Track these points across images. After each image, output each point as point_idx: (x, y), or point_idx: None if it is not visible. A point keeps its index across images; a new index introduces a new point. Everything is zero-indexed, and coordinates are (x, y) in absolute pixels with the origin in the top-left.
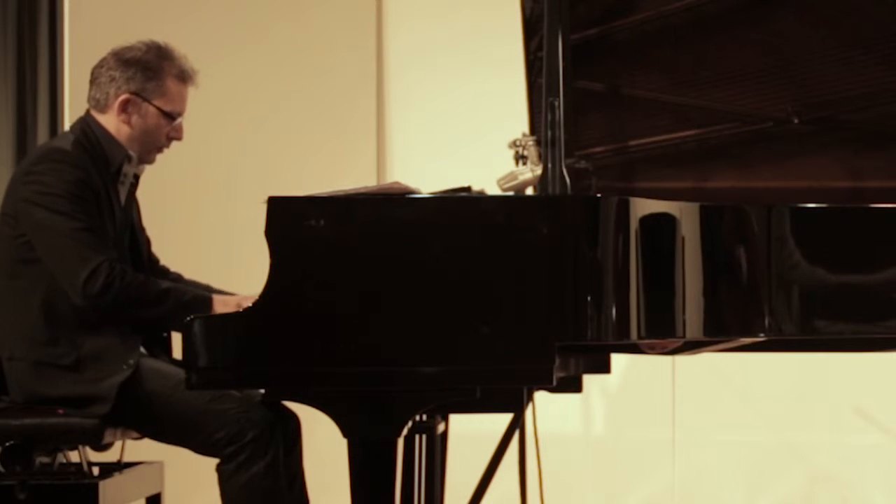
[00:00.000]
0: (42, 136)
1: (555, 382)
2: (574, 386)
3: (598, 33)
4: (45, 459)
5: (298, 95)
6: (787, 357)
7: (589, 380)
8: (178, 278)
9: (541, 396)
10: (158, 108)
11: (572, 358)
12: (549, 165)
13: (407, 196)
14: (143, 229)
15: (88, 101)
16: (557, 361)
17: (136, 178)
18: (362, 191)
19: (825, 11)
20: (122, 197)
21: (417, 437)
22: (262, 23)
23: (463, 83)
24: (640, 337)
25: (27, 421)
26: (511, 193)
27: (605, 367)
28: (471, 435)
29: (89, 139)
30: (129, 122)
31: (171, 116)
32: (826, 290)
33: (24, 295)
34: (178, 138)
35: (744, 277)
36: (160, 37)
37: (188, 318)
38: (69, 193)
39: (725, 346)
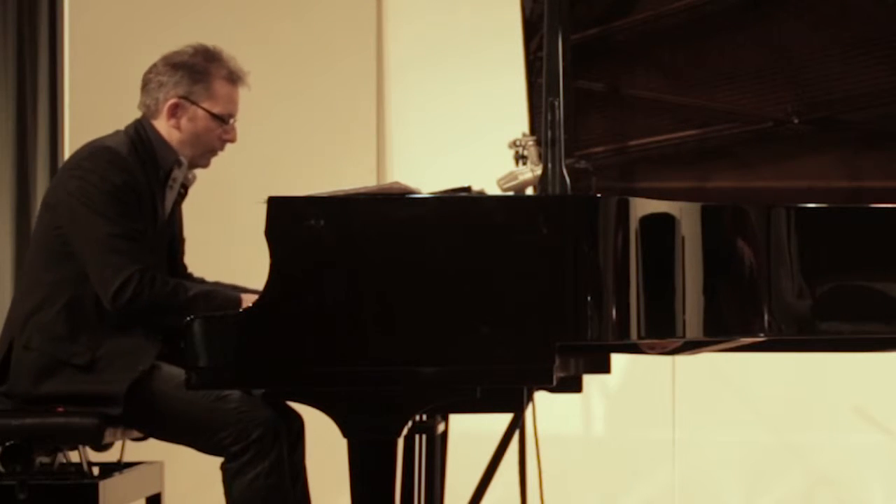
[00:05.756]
0: (42, 136)
1: (555, 382)
2: (574, 386)
3: (598, 33)
4: (45, 459)
5: (298, 95)
6: (787, 357)
7: (589, 380)
8: (201, 283)
9: (541, 396)
10: (207, 111)
11: (572, 358)
12: (549, 165)
13: (407, 196)
14: (183, 240)
15: (139, 106)
16: (557, 361)
17: (185, 187)
18: (362, 191)
19: (825, 11)
20: (169, 202)
21: (417, 437)
22: (262, 23)
23: (463, 83)
24: (640, 337)
25: (27, 421)
26: (511, 193)
27: (605, 367)
28: (471, 435)
29: (142, 141)
30: (178, 127)
31: (220, 119)
32: (826, 289)
33: (52, 288)
34: (232, 140)
35: (744, 277)
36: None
37: (188, 318)
38: (112, 196)
39: (725, 346)
